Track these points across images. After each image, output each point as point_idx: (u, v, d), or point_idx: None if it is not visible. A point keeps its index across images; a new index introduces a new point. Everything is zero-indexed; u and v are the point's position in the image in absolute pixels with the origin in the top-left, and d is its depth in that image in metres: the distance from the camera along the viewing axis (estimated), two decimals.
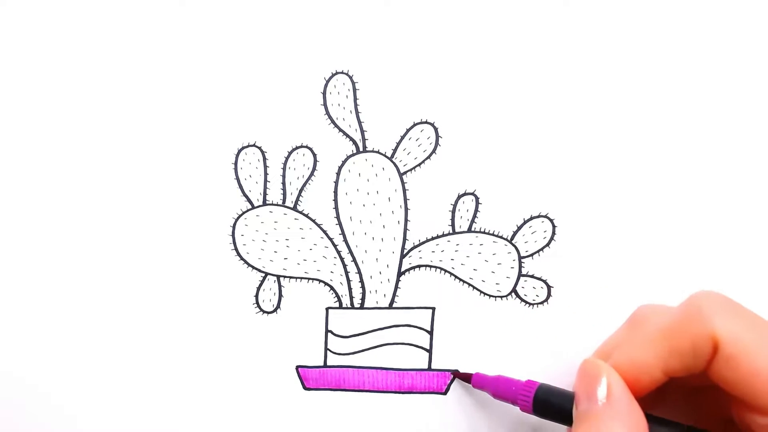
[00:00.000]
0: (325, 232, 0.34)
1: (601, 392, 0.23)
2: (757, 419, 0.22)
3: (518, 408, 0.29)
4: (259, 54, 0.34)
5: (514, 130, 0.33)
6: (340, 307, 0.34)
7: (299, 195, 0.34)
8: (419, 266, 0.34)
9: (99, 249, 0.35)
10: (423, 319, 0.34)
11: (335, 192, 0.34)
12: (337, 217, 0.34)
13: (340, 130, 0.34)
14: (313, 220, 0.34)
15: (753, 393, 0.22)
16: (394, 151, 0.34)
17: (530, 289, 0.33)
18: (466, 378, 0.33)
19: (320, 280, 0.34)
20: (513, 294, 0.33)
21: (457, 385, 0.34)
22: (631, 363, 0.24)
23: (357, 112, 0.34)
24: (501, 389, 0.30)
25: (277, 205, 0.34)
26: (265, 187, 0.34)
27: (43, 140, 0.35)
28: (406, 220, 0.34)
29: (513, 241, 0.33)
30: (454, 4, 0.33)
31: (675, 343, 0.23)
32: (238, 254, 0.34)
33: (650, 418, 0.24)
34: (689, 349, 0.23)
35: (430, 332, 0.34)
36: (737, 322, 0.22)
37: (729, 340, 0.22)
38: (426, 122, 0.34)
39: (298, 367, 0.34)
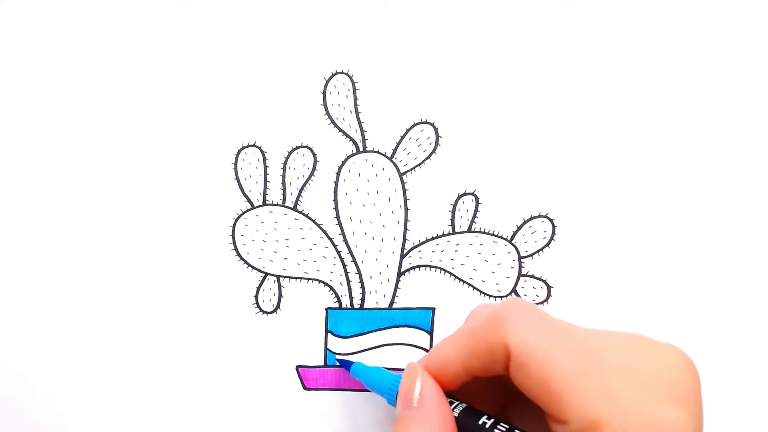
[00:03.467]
0: (325, 232, 0.34)
1: (416, 396, 0.25)
2: (554, 427, 0.22)
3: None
4: (259, 54, 0.34)
5: (514, 130, 0.33)
6: (340, 307, 0.34)
7: (299, 195, 0.34)
8: (419, 266, 0.34)
9: (99, 248, 0.35)
10: (423, 319, 0.34)
11: (335, 192, 0.34)
12: (337, 217, 0.34)
13: (340, 130, 0.34)
14: (313, 220, 0.34)
15: (544, 401, 0.22)
16: (394, 151, 0.34)
17: (530, 289, 0.33)
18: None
19: (320, 281, 0.34)
20: (513, 294, 0.33)
21: None
22: (439, 358, 0.26)
23: (357, 112, 0.34)
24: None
25: (277, 205, 0.34)
26: (265, 187, 0.34)
27: (43, 140, 0.35)
28: (406, 220, 0.34)
29: (513, 241, 0.33)
30: (454, 4, 0.33)
31: (474, 345, 0.24)
32: (238, 254, 0.34)
33: (470, 410, 0.25)
34: (486, 352, 0.24)
35: (430, 332, 0.34)
36: (530, 331, 0.23)
37: (519, 348, 0.22)
38: (426, 122, 0.34)
39: (298, 367, 0.34)
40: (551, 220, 0.33)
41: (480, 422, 0.24)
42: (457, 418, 0.25)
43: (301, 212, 0.34)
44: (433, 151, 0.34)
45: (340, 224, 0.34)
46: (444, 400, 0.25)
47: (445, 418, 0.24)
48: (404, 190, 0.34)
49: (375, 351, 0.34)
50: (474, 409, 0.25)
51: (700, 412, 0.21)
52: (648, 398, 0.21)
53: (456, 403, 0.26)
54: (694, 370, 0.22)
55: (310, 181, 0.34)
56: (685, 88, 0.32)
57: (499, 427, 0.24)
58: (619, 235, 0.33)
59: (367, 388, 0.31)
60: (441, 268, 0.34)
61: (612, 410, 0.20)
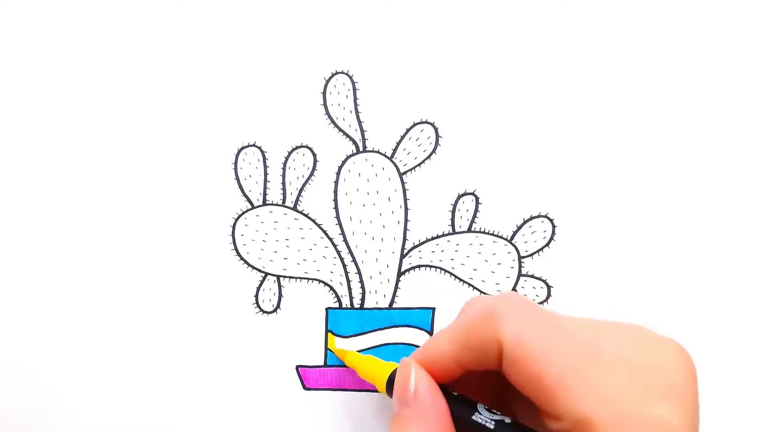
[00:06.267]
0: (325, 232, 0.34)
1: (410, 393, 0.25)
2: (547, 423, 0.22)
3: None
4: (259, 54, 0.34)
5: (514, 130, 0.33)
6: (340, 307, 0.34)
7: (299, 195, 0.34)
8: (419, 266, 0.34)
9: (100, 248, 0.35)
10: (423, 319, 0.34)
11: (335, 192, 0.34)
12: (337, 217, 0.34)
13: (340, 130, 0.34)
14: (313, 220, 0.34)
15: (537, 397, 0.22)
16: (394, 151, 0.34)
17: (530, 289, 0.33)
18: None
19: (320, 280, 0.34)
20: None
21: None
22: (432, 352, 0.26)
23: (357, 112, 0.34)
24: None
25: (277, 205, 0.34)
26: (265, 187, 0.34)
27: (43, 140, 0.35)
28: (406, 220, 0.34)
29: (513, 241, 0.33)
30: (454, 4, 0.33)
31: (467, 339, 0.24)
32: (238, 254, 0.34)
33: (461, 399, 0.25)
34: (479, 347, 0.24)
35: (430, 332, 0.34)
36: (523, 327, 0.22)
37: (512, 344, 0.22)
38: (426, 122, 0.34)
39: (298, 367, 0.34)
40: (551, 220, 0.33)
41: (474, 414, 0.24)
42: (452, 410, 0.25)
43: (301, 212, 0.34)
44: (433, 151, 0.34)
45: (340, 224, 0.34)
46: (438, 395, 0.25)
47: (440, 413, 0.24)
48: (404, 190, 0.34)
49: (375, 350, 0.34)
50: (468, 399, 0.25)
51: (695, 409, 0.21)
52: (642, 395, 0.20)
53: (450, 393, 0.26)
54: (691, 365, 0.22)
55: (310, 181, 0.34)
56: (684, 88, 0.32)
57: (494, 416, 0.24)
58: (618, 234, 0.33)
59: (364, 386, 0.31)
60: (441, 268, 0.34)
61: (605, 408, 0.20)
